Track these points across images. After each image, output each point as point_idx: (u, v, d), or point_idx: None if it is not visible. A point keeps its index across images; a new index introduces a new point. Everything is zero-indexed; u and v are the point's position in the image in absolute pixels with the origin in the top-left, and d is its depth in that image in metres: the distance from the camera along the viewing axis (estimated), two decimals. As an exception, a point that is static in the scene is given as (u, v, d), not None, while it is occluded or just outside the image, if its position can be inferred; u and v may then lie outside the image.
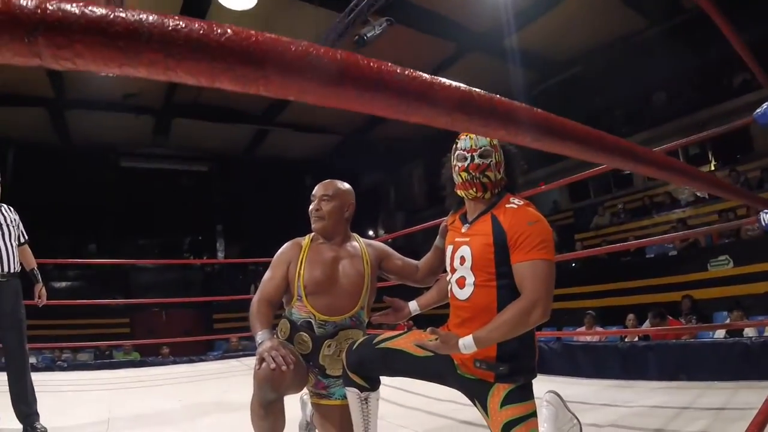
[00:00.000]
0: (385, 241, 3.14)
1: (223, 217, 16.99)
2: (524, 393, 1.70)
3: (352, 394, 1.92)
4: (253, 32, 0.45)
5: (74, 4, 0.38)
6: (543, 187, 4.58)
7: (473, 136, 1.79)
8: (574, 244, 11.09)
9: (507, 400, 1.67)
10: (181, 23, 0.42)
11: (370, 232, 17.64)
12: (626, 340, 5.33)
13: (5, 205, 3.27)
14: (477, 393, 1.74)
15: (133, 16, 0.40)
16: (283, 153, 15.99)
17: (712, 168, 10.54)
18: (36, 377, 3.89)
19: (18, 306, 3.16)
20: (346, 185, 2.27)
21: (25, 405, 3.04)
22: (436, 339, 1.68)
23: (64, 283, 13.89)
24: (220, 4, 7.64)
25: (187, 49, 0.42)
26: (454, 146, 1.86)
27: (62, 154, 14.20)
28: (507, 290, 1.70)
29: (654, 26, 10.57)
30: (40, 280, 3.48)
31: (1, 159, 13.24)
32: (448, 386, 1.84)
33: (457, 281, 1.81)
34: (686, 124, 10.01)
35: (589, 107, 11.90)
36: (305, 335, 2.09)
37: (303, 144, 15.48)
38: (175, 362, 6.51)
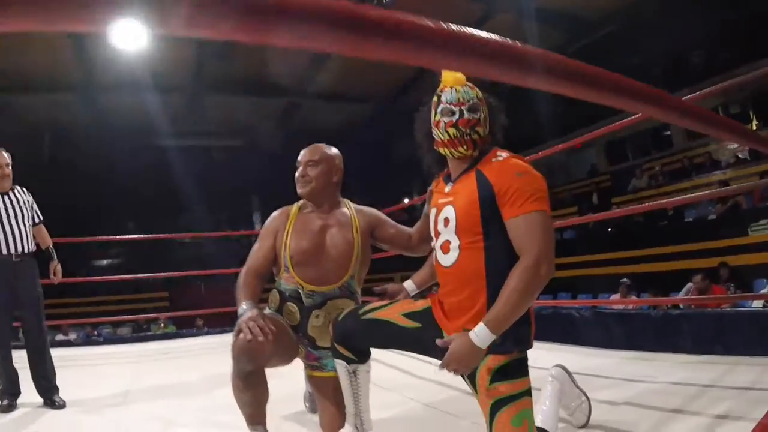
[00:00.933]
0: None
1: (258, 190, 17.09)
2: (518, 368, 1.53)
3: (340, 367, 1.84)
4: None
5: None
6: (578, 145, 4.42)
7: (459, 88, 1.62)
8: (611, 208, 10.81)
9: (497, 376, 1.50)
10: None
11: (406, 200, 17.63)
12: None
13: (19, 187, 3.33)
14: None
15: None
16: (313, 125, 15.99)
17: (754, 127, 10.07)
18: (69, 352, 3.98)
19: (35, 284, 3.23)
20: (334, 149, 2.16)
21: (44, 379, 3.12)
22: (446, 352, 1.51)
23: (105, 261, 14.30)
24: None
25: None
26: (436, 99, 1.66)
27: (96, 137, 14.49)
28: (496, 252, 1.53)
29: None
30: (56, 258, 3.50)
31: (37, 145, 13.56)
32: (438, 359, 1.60)
33: (441, 246, 1.64)
34: (724, 81, 9.51)
35: (623, 67, 11.43)
36: (293, 306, 2.04)
37: (334, 115, 15.40)
38: (208, 333, 6.63)
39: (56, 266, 3.47)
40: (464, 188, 1.61)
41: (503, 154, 1.61)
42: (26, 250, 3.21)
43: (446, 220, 1.63)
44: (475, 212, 1.55)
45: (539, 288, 1.47)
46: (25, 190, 3.37)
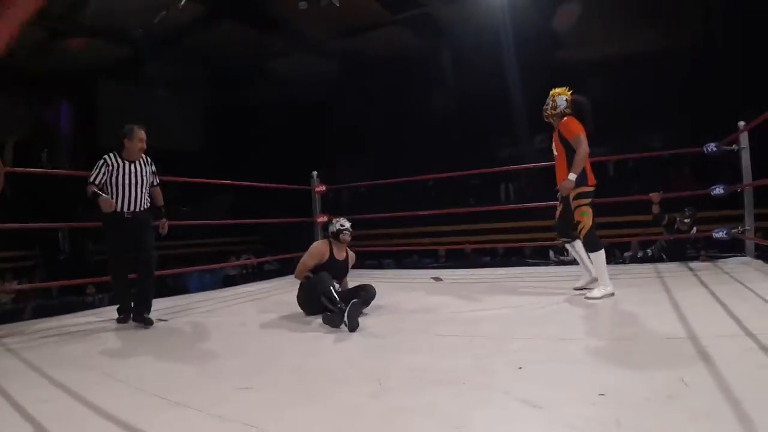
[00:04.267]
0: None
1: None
2: (584, 195, 4.28)
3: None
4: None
5: None
6: None
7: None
8: None
9: (577, 197, 4.28)
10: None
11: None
12: None
13: (144, 157, 4.19)
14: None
15: None
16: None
17: None
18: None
19: (149, 233, 4.21)
20: None
21: (143, 306, 4.12)
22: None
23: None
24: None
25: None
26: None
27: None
28: (567, 154, 4.27)
29: None
30: (164, 215, 4.40)
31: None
32: None
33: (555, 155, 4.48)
34: None
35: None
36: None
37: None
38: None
39: (164, 222, 4.39)
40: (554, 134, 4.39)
41: (564, 120, 4.29)
42: (138, 209, 4.10)
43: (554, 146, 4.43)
44: (558, 143, 4.31)
45: (583, 161, 4.13)
46: (149, 159, 4.24)
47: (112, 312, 4.40)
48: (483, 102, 12.88)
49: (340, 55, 13.64)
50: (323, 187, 6.91)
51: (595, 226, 4.29)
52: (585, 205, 4.26)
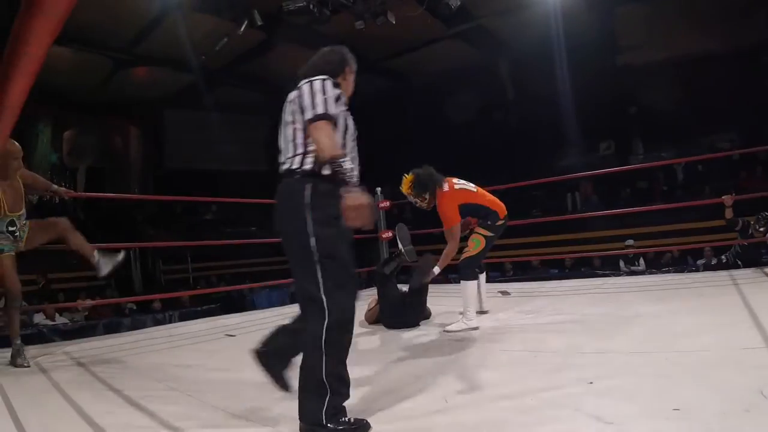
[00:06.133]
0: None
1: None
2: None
3: None
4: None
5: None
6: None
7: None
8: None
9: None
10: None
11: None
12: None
13: None
14: None
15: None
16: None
17: None
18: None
19: None
20: None
21: None
22: None
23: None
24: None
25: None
26: None
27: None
28: None
29: None
30: None
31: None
32: None
33: None
34: None
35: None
36: None
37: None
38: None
39: None
40: None
41: (439, 202, 4.19)
42: None
43: None
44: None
45: (451, 256, 4.15)
46: None
47: (181, 327, 4.57)
48: (543, 111, 12.71)
49: (397, 71, 13.80)
50: (387, 203, 6.97)
51: (481, 258, 4.18)
52: (483, 236, 4.08)
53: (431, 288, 4.57)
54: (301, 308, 2.22)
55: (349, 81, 2.45)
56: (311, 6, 8.47)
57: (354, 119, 2.26)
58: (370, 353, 3.59)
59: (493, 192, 4.44)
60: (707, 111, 11.21)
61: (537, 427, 1.95)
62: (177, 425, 2.26)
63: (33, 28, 0.56)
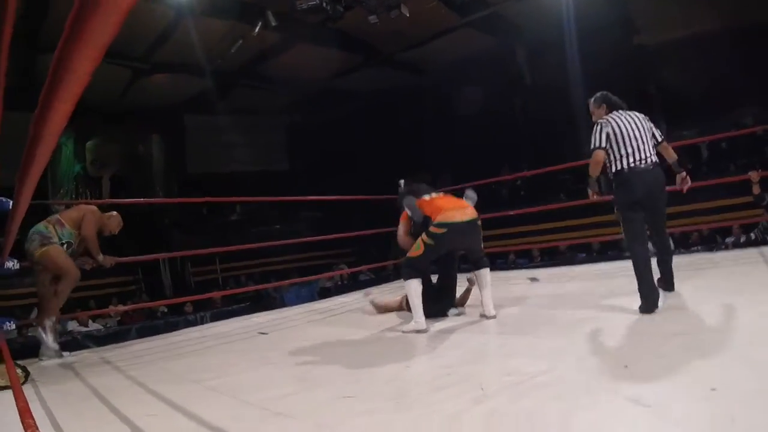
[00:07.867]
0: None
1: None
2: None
3: None
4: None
5: None
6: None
7: None
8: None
9: None
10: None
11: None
12: None
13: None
14: None
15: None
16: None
17: None
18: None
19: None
20: None
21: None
22: None
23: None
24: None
25: None
26: None
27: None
28: None
29: None
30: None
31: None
32: None
33: None
34: None
35: None
36: None
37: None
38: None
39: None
40: None
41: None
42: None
43: None
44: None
45: None
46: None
47: (213, 327, 4.67)
48: (562, 95, 12.59)
49: (413, 63, 13.74)
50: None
51: (422, 260, 3.99)
52: (426, 238, 3.94)
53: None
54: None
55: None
56: (324, 3, 8.48)
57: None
58: (400, 346, 3.61)
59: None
60: (728, 87, 10.98)
61: (576, 412, 1.95)
62: (217, 425, 2.27)
63: (78, 56, 0.57)
